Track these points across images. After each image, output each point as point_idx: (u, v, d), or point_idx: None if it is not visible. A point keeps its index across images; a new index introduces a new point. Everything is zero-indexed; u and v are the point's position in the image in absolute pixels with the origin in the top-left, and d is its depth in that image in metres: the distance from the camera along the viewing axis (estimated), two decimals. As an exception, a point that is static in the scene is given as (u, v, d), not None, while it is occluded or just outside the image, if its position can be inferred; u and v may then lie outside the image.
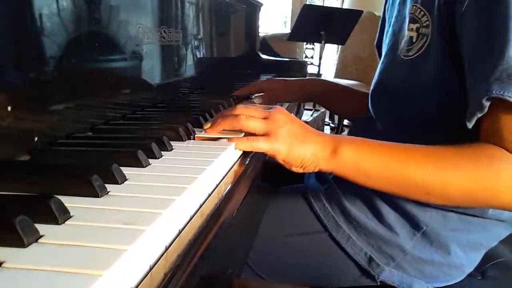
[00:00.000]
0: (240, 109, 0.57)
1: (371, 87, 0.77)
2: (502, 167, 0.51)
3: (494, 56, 0.51)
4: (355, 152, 0.55)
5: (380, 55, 0.82)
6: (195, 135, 0.59)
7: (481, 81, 0.52)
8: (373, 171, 0.55)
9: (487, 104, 0.51)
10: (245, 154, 0.60)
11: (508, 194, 0.51)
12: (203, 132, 0.60)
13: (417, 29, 0.63)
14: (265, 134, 0.55)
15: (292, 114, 0.58)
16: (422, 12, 0.62)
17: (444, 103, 0.62)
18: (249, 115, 0.55)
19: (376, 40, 0.86)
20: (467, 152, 0.53)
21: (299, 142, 0.54)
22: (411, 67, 0.65)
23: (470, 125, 0.54)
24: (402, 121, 0.67)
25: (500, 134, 0.52)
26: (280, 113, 0.56)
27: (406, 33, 0.66)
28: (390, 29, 0.73)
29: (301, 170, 0.56)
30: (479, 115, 0.53)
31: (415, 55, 0.64)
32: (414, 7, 0.64)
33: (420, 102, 0.64)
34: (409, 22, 0.65)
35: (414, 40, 0.64)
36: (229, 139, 0.56)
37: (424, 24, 0.62)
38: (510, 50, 0.50)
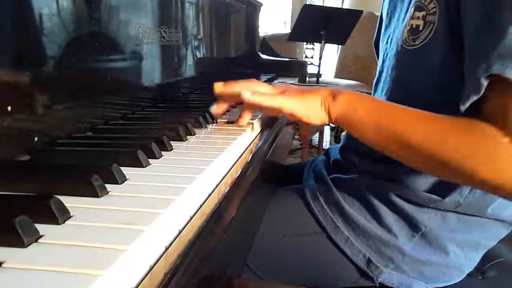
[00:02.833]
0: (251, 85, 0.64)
1: (374, 81, 0.77)
2: (488, 143, 0.51)
3: (496, 34, 0.50)
4: (351, 99, 0.59)
5: (377, 53, 0.82)
6: (217, 120, 0.69)
7: (481, 59, 0.51)
8: (364, 119, 0.58)
9: (485, 83, 0.50)
10: (245, 154, 0.60)
11: (485, 172, 0.51)
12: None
13: (424, 17, 0.62)
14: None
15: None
16: None
17: (448, 92, 0.61)
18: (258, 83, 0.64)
19: (374, 38, 0.86)
20: (462, 122, 0.53)
21: (306, 94, 0.61)
22: (417, 56, 0.64)
23: (463, 108, 0.53)
24: None
25: (499, 115, 0.50)
26: (281, 84, 0.66)
27: (409, 22, 0.65)
28: (390, 22, 0.73)
29: (318, 120, 0.61)
30: (475, 98, 0.51)
31: (421, 44, 0.63)
32: None
33: (424, 91, 0.63)
34: (415, 11, 0.64)
35: (420, 28, 0.63)
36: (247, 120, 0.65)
37: (431, 12, 0.61)
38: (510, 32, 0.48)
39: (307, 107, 0.60)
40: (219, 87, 0.64)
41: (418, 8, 0.64)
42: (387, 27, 0.76)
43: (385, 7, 0.78)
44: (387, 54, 0.74)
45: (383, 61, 0.75)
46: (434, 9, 0.61)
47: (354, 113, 0.58)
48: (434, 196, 0.63)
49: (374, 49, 0.86)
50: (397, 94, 0.70)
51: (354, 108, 0.58)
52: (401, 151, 0.56)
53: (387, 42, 0.75)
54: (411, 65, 0.66)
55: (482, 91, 0.50)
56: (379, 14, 0.85)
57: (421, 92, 0.64)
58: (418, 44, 0.63)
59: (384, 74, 0.74)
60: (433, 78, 0.62)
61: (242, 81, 0.65)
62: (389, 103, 0.60)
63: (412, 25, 0.64)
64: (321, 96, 0.60)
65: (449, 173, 0.56)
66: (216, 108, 0.68)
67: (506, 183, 0.50)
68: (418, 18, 0.63)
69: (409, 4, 0.66)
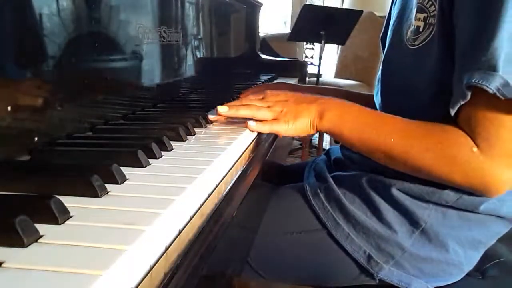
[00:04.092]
0: (249, 100, 0.70)
1: (377, 79, 0.77)
2: (461, 152, 0.56)
3: (479, 46, 0.53)
4: (336, 117, 0.65)
5: (383, 49, 0.83)
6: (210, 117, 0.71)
7: (465, 69, 0.54)
8: (349, 135, 0.65)
9: (468, 92, 0.53)
10: (245, 154, 0.60)
11: (459, 178, 0.57)
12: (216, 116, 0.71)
13: (425, 19, 0.64)
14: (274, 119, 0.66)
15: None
16: (430, 2, 0.63)
17: (443, 93, 0.62)
18: (257, 106, 0.68)
19: (381, 34, 0.86)
20: (438, 132, 0.58)
21: (298, 117, 0.66)
22: (416, 56, 0.65)
23: (452, 112, 0.56)
24: (407, 110, 0.67)
25: (473, 124, 0.55)
26: (274, 98, 0.69)
27: (413, 23, 0.66)
28: (396, 19, 0.74)
29: (306, 134, 0.68)
30: (462, 102, 0.55)
31: (420, 45, 0.65)
32: None
33: (422, 91, 0.65)
34: (417, 12, 0.65)
35: (420, 29, 0.64)
36: (246, 122, 0.66)
37: (432, 14, 0.63)
38: (496, 42, 0.51)
39: (299, 129, 0.67)
40: (223, 110, 0.68)
41: (419, 10, 0.65)
42: (394, 22, 0.76)
43: (396, 2, 0.78)
44: (389, 49, 0.75)
45: (386, 56, 0.76)
46: (435, 12, 0.62)
47: (339, 131, 0.65)
48: (435, 189, 0.63)
49: (380, 44, 0.86)
50: (397, 91, 0.71)
51: (339, 127, 0.65)
52: (385, 160, 0.63)
53: (390, 37, 0.75)
54: (410, 64, 0.67)
55: (468, 97, 0.54)
56: (382, 13, 0.85)
57: (418, 91, 0.66)
58: (417, 45, 0.65)
59: (386, 69, 0.75)
60: (430, 79, 0.64)
61: (242, 102, 0.70)
62: (372, 116, 0.65)
63: (414, 25, 0.66)
64: (310, 118, 0.66)
65: (429, 178, 0.62)
66: (214, 119, 0.72)
67: (477, 187, 0.57)
68: (419, 19, 0.65)
69: (414, 3, 0.67)
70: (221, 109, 0.68)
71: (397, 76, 0.72)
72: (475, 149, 0.55)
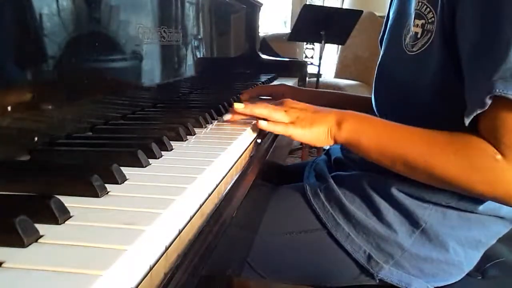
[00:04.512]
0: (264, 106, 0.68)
1: (374, 83, 0.77)
2: (484, 160, 0.54)
3: (497, 56, 0.51)
4: (354, 127, 0.64)
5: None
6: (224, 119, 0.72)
7: (483, 80, 0.53)
8: (367, 145, 0.63)
9: (489, 102, 0.52)
10: (245, 154, 0.60)
11: (482, 187, 0.55)
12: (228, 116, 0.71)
13: (422, 25, 0.64)
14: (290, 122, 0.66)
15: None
16: (428, 9, 0.63)
17: (443, 100, 0.62)
18: (274, 107, 0.67)
19: (380, 36, 0.86)
20: (459, 141, 0.57)
21: (315, 124, 0.65)
22: (414, 63, 0.65)
23: (467, 121, 0.55)
24: (405, 115, 0.68)
25: (497, 132, 0.53)
26: (292, 104, 0.68)
27: (412, 29, 0.66)
28: (393, 24, 0.74)
29: (323, 144, 0.66)
30: (479, 111, 0.53)
31: (418, 51, 0.64)
32: (420, 3, 0.64)
33: (422, 98, 0.65)
34: (415, 18, 0.65)
35: (418, 36, 0.64)
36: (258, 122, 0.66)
37: (430, 21, 0.62)
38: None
39: (315, 137, 0.65)
40: (240, 107, 0.68)
41: (417, 16, 0.65)
42: (391, 26, 0.76)
43: (393, 6, 0.78)
44: (386, 53, 0.75)
45: (383, 59, 0.76)
46: (433, 19, 0.62)
47: (357, 141, 0.63)
48: (435, 189, 0.63)
49: (379, 46, 0.86)
50: (393, 93, 0.71)
51: (357, 137, 0.63)
52: (405, 170, 0.61)
53: (387, 41, 0.75)
54: (409, 70, 0.67)
55: (487, 106, 0.53)
56: (381, 14, 0.86)
57: (416, 96, 0.66)
58: (415, 51, 0.65)
59: (383, 72, 0.75)
60: (429, 85, 0.63)
61: (259, 103, 0.69)
62: (391, 126, 0.63)
63: (413, 31, 0.66)
64: (328, 126, 0.64)
65: (450, 187, 0.60)
66: (227, 118, 0.72)
67: (501, 196, 0.55)
68: (417, 25, 0.65)
69: (412, 9, 0.67)
70: (238, 105, 0.68)
71: (393, 81, 0.72)
72: (498, 156, 0.53)
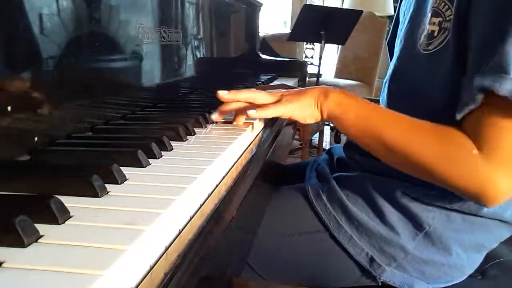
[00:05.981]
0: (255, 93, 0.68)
1: (386, 82, 0.76)
2: (460, 152, 0.54)
3: (492, 50, 0.51)
4: (340, 99, 0.63)
5: (391, 53, 0.82)
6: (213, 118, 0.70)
7: (476, 73, 0.53)
8: (351, 119, 0.62)
9: (479, 96, 0.52)
10: (245, 153, 0.60)
11: (455, 180, 0.55)
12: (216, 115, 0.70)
13: (440, 23, 0.62)
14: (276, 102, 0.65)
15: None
16: (446, 6, 0.61)
17: (454, 99, 0.61)
18: (258, 91, 0.68)
19: (388, 39, 0.86)
20: (440, 131, 0.57)
21: (301, 97, 0.65)
22: (430, 61, 0.64)
23: (459, 116, 0.55)
24: (419, 116, 0.67)
25: (476, 127, 0.53)
26: (277, 90, 0.70)
27: (427, 27, 0.65)
28: (407, 24, 0.73)
29: (312, 119, 0.65)
30: (472, 107, 0.53)
31: (434, 50, 0.63)
32: (438, 0, 0.63)
33: (435, 98, 0.64)
34: (432, 16, 0.64)
35: (435, 34, 0.63)
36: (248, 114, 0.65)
37: (447, 18, 0.61)
38: (507, 46, 0.50)
39: (303, 109, 0.64)
40: (223, 94, 0.67)
41: (435, 14, 0.63)
42: (405, 27, 0.75)
43: (402, 7, 0.78)
44: (401, 54, 0.74)
45: (397, 60, 0.75)
46: (450, 16, 0.61)
47: (344, 114, 0.63)
48: (439, 191, 0.63)
49: (387, 49, 0.86)
50: (407, 95, 0.70)
51: (345, 110, 0.63)
52: (382, 152, 0.62)
53: (401, 42, 0.74)
54: (423, 70, 0.66)
55: (479, 102, 0.52)
56: (389, 14, 0.85)
57: (430, 96, 0.65)
58: (431, 50, 0.64)
59: (397, 73, 0.74)
60: (443, 85, 0.62)
61: (243, 90, 0.68)
62: (374, 106, 0.63)
63: (428, 30, 0.64)
64: (314, 96, 0.64)
65: (424, 176, 0.60)
66: (216, 118, 0.70)
67: (473, 191, 0.54)
68: (434, 23, 0.63)
69: (428, 8, 0.66)
70: (222, 92, 0.67)
71: (408, 81, 0.71)
72: (475, 151, 0.53)
